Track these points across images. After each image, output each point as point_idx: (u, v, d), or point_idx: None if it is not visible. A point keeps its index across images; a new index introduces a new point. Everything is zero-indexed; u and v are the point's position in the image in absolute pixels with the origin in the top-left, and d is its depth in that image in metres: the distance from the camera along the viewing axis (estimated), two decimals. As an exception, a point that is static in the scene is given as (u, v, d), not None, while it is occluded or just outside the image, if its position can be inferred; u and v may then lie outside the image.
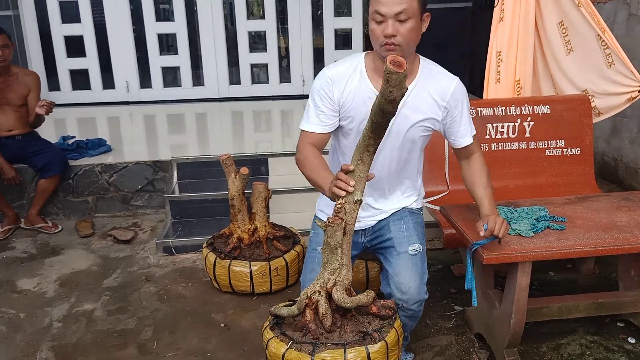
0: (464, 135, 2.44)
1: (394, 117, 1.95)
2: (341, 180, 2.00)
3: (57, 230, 4.57)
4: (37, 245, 4.40)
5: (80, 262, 4.09)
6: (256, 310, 3.33)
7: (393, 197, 2.52)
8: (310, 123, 2.30)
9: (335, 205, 2.01)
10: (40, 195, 4.55)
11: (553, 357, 2.84)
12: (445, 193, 3.69)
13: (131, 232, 4.43)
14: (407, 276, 2.23)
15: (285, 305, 2.16)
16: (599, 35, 3.79)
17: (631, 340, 2.90)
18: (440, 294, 3.44)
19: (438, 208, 3.49)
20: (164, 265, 3.99)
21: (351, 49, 7.35)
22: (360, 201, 2.05)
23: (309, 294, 1.98)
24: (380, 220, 2.50)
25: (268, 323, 2.07)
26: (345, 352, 1.84)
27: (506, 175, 3.80)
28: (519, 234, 2.52)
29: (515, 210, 2.72)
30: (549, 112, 3.82)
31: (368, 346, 1.87)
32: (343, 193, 1.99)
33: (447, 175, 3.73)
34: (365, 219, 2.47)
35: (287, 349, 1.90)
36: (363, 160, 1.98)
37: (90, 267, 4.01)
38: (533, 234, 2.52)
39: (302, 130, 2.34)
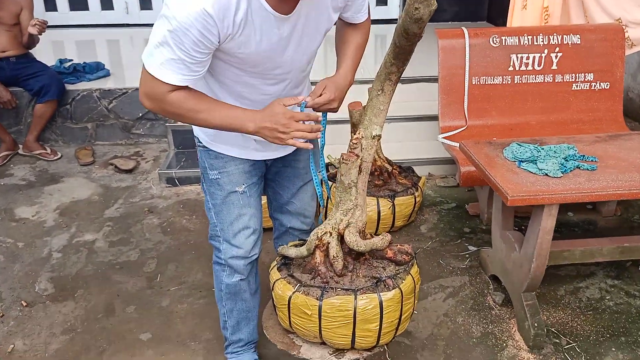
0: (357, 11, 1.88)
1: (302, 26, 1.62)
2: (301, 130, 1.66)
3: (56, 158, 4.41)
4: (35, 172, 4.26)
5: (81, 191, 3.96)
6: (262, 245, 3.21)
7: None
8: (177, 74, 1.59)
9: (351, 140, 1.82)
10: (38, 120, 4.36)
11: (571, 300, 2.73)
12: (463, 128, 3.48)
13: (133, 161, 4.27)
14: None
15: (294, 246, 2.01)
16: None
17: (652, 285, 2.79)
18: (454, 234, 3.30)
19: (455, 144, 3.30)
20: (167, 197, 3.86)
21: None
22: (379, 136, 1.86)
23: (319, 235, 1.82)
24: None
25: (276, 263, 1.93)
26: (355, 298, 1.71)
27: (529, 110, 3.57)
28: (546, 174, 2.34)
29: (542, 149, 2.52)
30: (579, 42, 3.54)
31: (381, 293, 1.73)
32: (309, 146, 1.70)
33: (465, 109, 3.51)
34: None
35: (293, 292, 1.77)
36: (384, 90, 1.77)
37: (90, 197, 3.88)
38: (561, 175, 2.33)
39: (162, 81, 1.60)
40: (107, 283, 2.96)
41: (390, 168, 3.28)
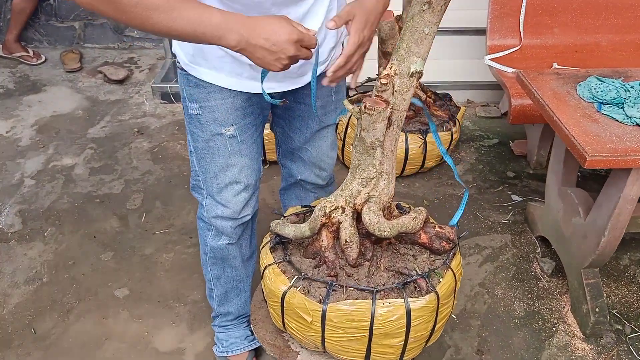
0: None
1: None
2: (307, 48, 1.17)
3: (39, 62, 3.87)
4: (15, 78, 3.73)
5: (64, 104, 3.44)
6: (268, 183, 2.73)
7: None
8: None
9: (379, 80, 1.25)
10: (17, 17, 3.77)
11: (637, 273, 2.23)
12: (516, 48, 2.83)
13: (124, 70, 3.70)
14: None
15: (295, 214, 1.50)
16: None
17: None
18: (495, 179, 2.75)
19: (507, 69, 2.67)
20: (161, 115, 3.33)
21: None
22: (420, 73, 1.28)
23: (327, 211, 1.31)
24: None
25: (269, 239, 1.44)
26: (374, 303, 1.23)
27: (600, 28, 2.88)
28: (637, 124, 1.75)
29: (631, 87, 1.90)
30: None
31: (409, 300, 1.24)
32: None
33: (521, 23, 2.84)
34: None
35: (289, 288, 1.28)
36: (432, 5, 1.18)
37: (74, 111, 3.37)
38: (659, 126, 1.75)
39: None
40: (83, 221, 2.53)
41: (423, 95, 2.69)
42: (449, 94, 2.83)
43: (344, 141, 2.66)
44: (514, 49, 2.82)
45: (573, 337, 1.99)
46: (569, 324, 2.03)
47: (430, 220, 1.43)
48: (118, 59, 3.93)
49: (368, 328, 1.26)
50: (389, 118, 1.27)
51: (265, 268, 1.39)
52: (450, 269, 1.34)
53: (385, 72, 1.27)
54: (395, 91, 1.28)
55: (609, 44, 2.87)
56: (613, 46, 2.86)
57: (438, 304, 1.29)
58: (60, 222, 2.52)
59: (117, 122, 3.26)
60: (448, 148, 2.65)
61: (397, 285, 1.28)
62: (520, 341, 1.97)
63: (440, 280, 1.32)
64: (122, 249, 2.38)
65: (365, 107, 1.23)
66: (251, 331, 1.86)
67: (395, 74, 1.27)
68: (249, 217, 1.63)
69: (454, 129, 2.61)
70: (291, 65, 1.20)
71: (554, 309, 2.09)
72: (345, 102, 1.28)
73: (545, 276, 2.22)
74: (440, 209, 2.54)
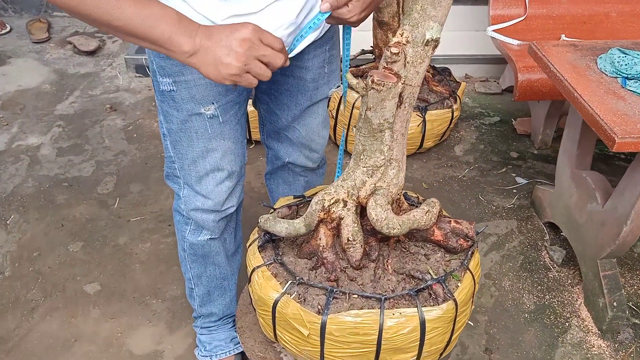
0: None
1: None
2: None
3: (4, 31, 3.57)
4: (-24, 50, 3.44)
5: (30, 77, 3.17)
6: (254, 164, 2.52)
7: None
8: None
9: (387, 47, 1.04)
10: (-23, -18, 3.47)
11: (651, 263, 2.08)
12: (521, 19, 2.62)
13: (96, 40, 3.42)
14: None
15: (287, 207, 1.29)
16: None
17: None
18: (498, 159, 2.57)
19: (512, 42, 2.48)
20: (136, 90, 3.08)
21: None
22: (437, 42, 1.07)
23: (325, 205, 1.11)
24: None
25: (257, 237, 1.23)
26: (382, 313, 1.03)
27: (608, -2, 2.68)
28: (668, 102, 1.57)
29: (657, 59, 1.71)
30: None
31: (423, 309, 1.05)
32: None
33: (526, -9, 2.63)
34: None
35: (281, 295, 1.08)
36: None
37: (41, 85, 3.10)
38: (691, 103, 1.56)
39: None
40: (50, 207, 2.30)
41: (422, 69, 2.47)
42: (448, 69, 2.62)
43: (335, 119, 2.45)
44: (519, 20, 2.62)
45: (588, 332, 1.83)
46: (583, 318, 1.88)
47: (444, 214, 1.24)
48: (89, 29, 3.64)
49: (375, 342, 1.07)
50: (400, 95, 1.07)
51: (253, 271, 1.19)
52: (469, 270, 1.15)
53: (395, 39, 1.06)
54: (408, 62, 1.07)
55: (619, 14, 2.67)
56: (623, 17, 2.66)
57: (456, 312, 1.10)
58: (24, 208, 2.29)
59: (88, 97, 3.00)
60: (449, 126, 2.45)
61: (409, 291, 1.09)
62: (532, 338, 1.81)
63: (459, 284, 1.13)
64: (92, 238, 2.16)
65: (372, 81, 1.01)
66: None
67: (408, 41, 1.06)
68: (234, 208, 1.42)
69: (454, 106, 2.41)
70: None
71: (566, 301, 1.93)
72: (349, 74, 1.06)
73: (556, 266, 2.05)
74: (440, 193, 2.35)
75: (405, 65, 1.07)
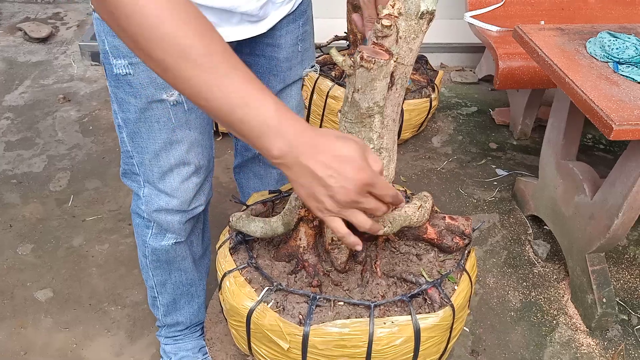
0: None
1: None
2: None
3: (-55, 17, 3.31)
4: None
5: (-25, 66, 2.94)
6: (222, 158, 2.36)
7: None
8: None
9: (377, 18, 0.91)
10: None
11: (637, 254, 2.01)
12: (499, 4, 2.53)
13: (48, 27, 3.20)
14: None
15: (262, 203, 1.15)
16: None
17: None
18: (477, 151, 2.48)
19: (491, 28, 2.38)
20: (91, 79, 2.87)
21: None
22: (432, 14, 0.94)
23: (306, 201, 0.97)
24: None
25: (227, 237, 1.08)
26: (371, 322, 0.90)
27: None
28: (663, 88, 1.49)
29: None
30: None
31: (418, 317, 0.92)
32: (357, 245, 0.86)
33: (504, -24, 2.53)
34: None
35: (257, 304, 0.94)
36: None
37: (-13, 75, 2.87)
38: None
39: None
40: (-3, 206, 2.10)
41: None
42: (425, 57, 2.51)
43: (309, 109, 2.31)
44: (497, 5, 2.52)
45: (576, 330, 1.75)
46: (570, 315, 1.79)
47: (437, 210, 1.11)
48: (41, 15, 3.40)
49: (365, 355, 0.95)
50: (391, 74, 0.94)
51: (224, 276, 1.04)
52: (466, 271, 1.04)
53: (386, 10, 0.93)
54: (400, 38, 0.94)
55: (597, 1, 2.61)
56: (602, 3, 2.60)
57: (453, 318, 0.98)
58: (-33, 208, 2.08)
59: (39, 87, 2.79)
60: (426, 117, 2.34)
61: (401, 297, 0.97)
62: (519, 338, 1.72)
63: (455, 287, 1.01)
64: (44, 240, 1.97)
65: (361, 57, 0.88)
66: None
67: (400, 13, 0.93)
68: (202, 207, 1.27)
69: (432, 96, 2.30)
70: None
71: (552, 298, 1.85)
72: (333, 50, 0.93)
73: (540, 261, 1.97)
74: (419, 186, 2.24)
75: (397, 41, 0.94)
